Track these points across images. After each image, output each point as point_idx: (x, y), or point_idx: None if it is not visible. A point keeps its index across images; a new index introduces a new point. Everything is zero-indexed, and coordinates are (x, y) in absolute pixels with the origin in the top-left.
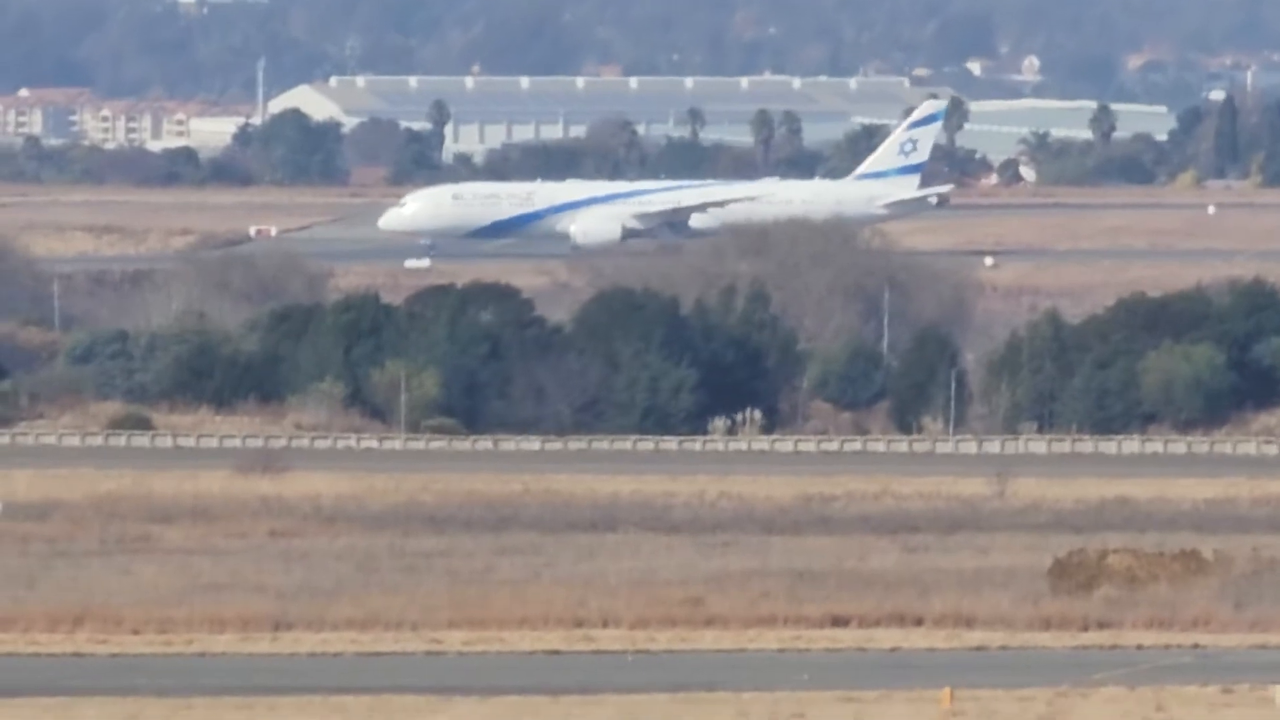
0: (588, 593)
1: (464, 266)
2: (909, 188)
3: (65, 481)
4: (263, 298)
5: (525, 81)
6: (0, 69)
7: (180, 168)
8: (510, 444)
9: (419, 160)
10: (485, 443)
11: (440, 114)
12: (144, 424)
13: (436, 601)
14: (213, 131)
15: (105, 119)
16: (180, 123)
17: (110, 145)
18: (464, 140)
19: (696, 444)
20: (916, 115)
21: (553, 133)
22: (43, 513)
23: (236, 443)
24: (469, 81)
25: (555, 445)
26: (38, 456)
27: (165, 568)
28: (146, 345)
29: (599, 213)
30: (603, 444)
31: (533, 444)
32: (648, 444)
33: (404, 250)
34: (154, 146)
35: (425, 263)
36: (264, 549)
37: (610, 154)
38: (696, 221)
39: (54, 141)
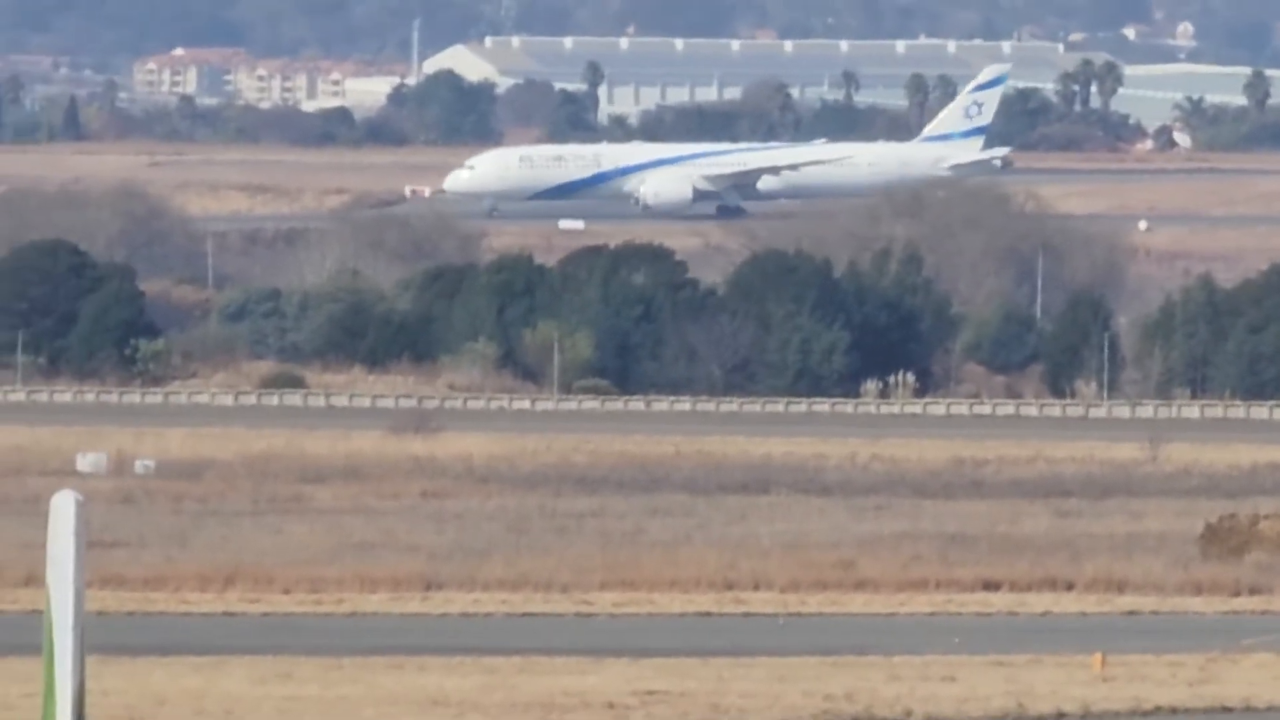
0: (739, 555)
1: (617, 228)
2: (973, 150)
3: (218, 441)
4: (416, 257)
5: (680, 43)
6: (155, 28)
7: (335, 128)
8: (662, 405)
9: (573, 121)
10: (637, 404)
11: (595, 75)
12: (297, 383)
13: (587, 563)
14: (367, 91)
15: (260, 78)
16: (335, 82)
17: (265, 105)
18: (618, 102)
19: (848, 406)
20: (982, 78)
21: (707, 95)
22: (195, 472)
23: (389, 403)
24: (624, 43)
25: (707, 406)
26: (191, 415)
27: (317, 527)
28: (299, 304)
29: (669, 174)
30: (754, 406)
31: (684, 405)
32: (800, 406)
33: (558, 211)
34: (309, 106)
35: (579, 224)
36: (416, 509)
37: (765, 117)
38: (763, 184)
39: (208, 101)
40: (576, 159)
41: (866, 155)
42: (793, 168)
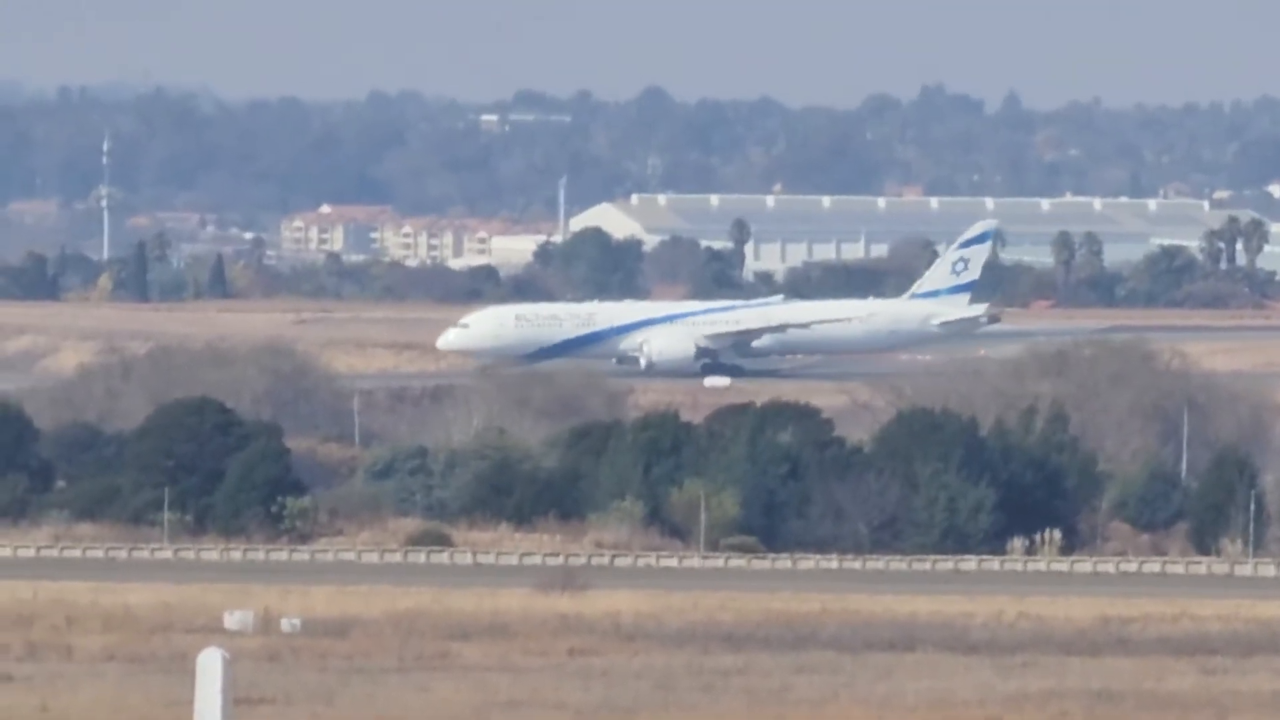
0: (886, 712)
1: (763, 385)
2: (961, 306)
3: (364, 598)
4: (563, 415)
5: (826, 201)
6: (302, 185)
7: (481, 285)
8: (808, 563)
9: (719, 279)
10: (784, 561)
11: (741, 232)
12: (443, 541)
13: None
14: (514, 249)
15: (406, 235)
16: (482, 240)
17: (411, 262)
18: (765, 258)
19: (995, 564)
20: (968, 234)
21: (854, 252)
22: (341, 629)
23: (536, 560)
24: (770, 200)
25: (853, 564)
26: (337, 573)
27: (463, 685)
28: (446, 461)
29: (671, 333)
30: (901, 563)
31: (831, 563)
32: (946, 564)
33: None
34: (455, 264)
35: (724, 381)
36: (563, 666)
37: (912, 274)
38: (757, 341)
39: (355, 258)
40: (571, 318)
41: (859, 312)
42: (803, 326)
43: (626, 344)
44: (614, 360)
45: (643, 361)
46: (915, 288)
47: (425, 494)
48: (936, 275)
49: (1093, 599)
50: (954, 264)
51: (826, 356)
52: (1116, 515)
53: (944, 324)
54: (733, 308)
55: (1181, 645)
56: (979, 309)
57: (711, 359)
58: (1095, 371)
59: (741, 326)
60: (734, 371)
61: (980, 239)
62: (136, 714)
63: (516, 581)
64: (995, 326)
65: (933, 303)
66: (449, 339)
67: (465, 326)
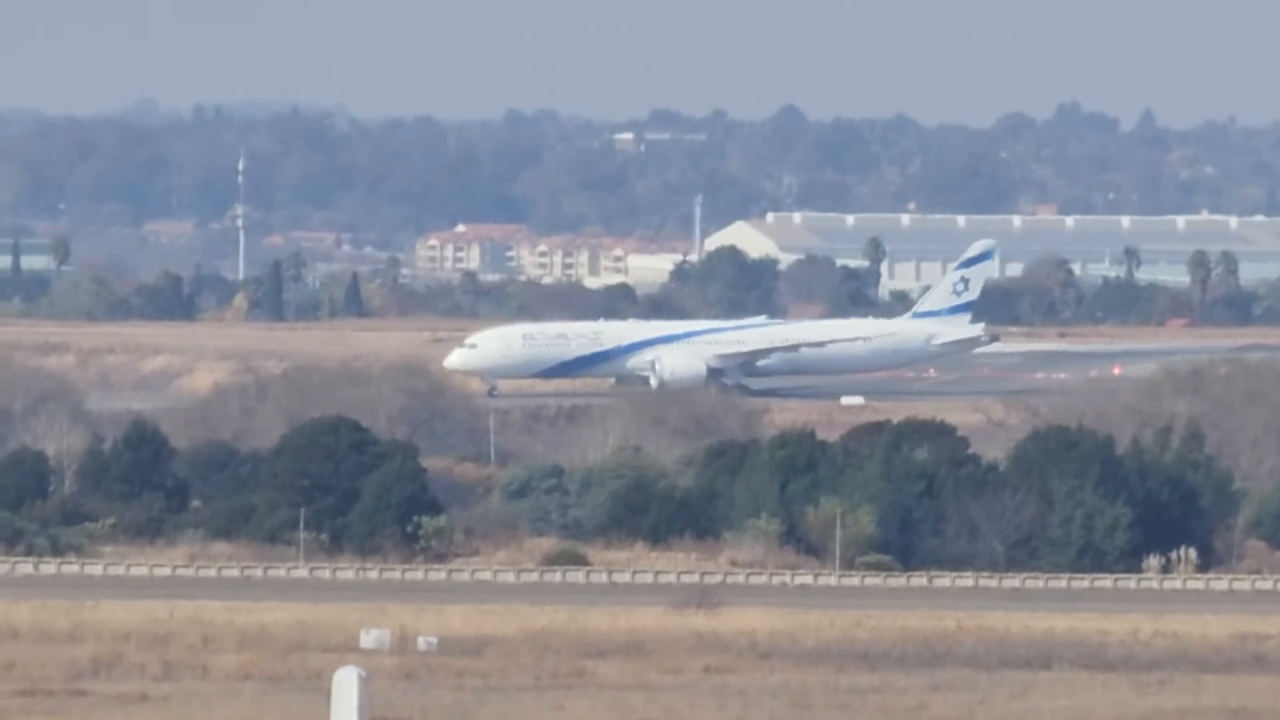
0: None
1: (898, 404)
2: (960, 326)
3: (499, 617)
4: (698, 434)
5: (961, 220)
6: (438, 205)
7: (617, 304)
8: (944, 581)
9: (854, 297)
10: (919, 579)
11: (876, 251)
12: (579, 560)
13: None
14: (649, 267)
15: (542, 254)
16: (617, 259)
17: (547, 281)
18: (900, 277)
19: (1131, 582)
20: (968, 254)
21: (988, 270)
22: (477, 648)
23: (671, 579)
24: (905, 219)
25: (989, 582)
26: (473, 592)
27: (599, 704)
28: (582, 481)
29: (683, 352)
30: (1037, 581)
31: (966, 581)
32: (1082, 582)
33: (838, 388)
34: (591, 283)
35: (859, 400)
36: (698, 685)
37: (1046, 293)
38: (761, 361)
39: (491, 277)
40: (578, 337)
41: (861, 332)
42: (818, 345)
43: (634, 363)
44: (613, 380)
45: (654, 381)
46: (916, 307)
47: (561, 513)
48: (937, 295)
49: (1229, 616)
50: (954, 284)
51: (820, 376)
52: (1252, 533)
53: (945, 344)
54: (739, 326)
55: None
56: (978, 328)
57: (719, 379)
58: (1231, 390)
59: (750, 346)
60: (741, 391)
61: (980, 258)
62: None
63: (652, 600)
64: (1130, 345)
65: (933, 322)
66: (456, 359)
67: (473, 346)
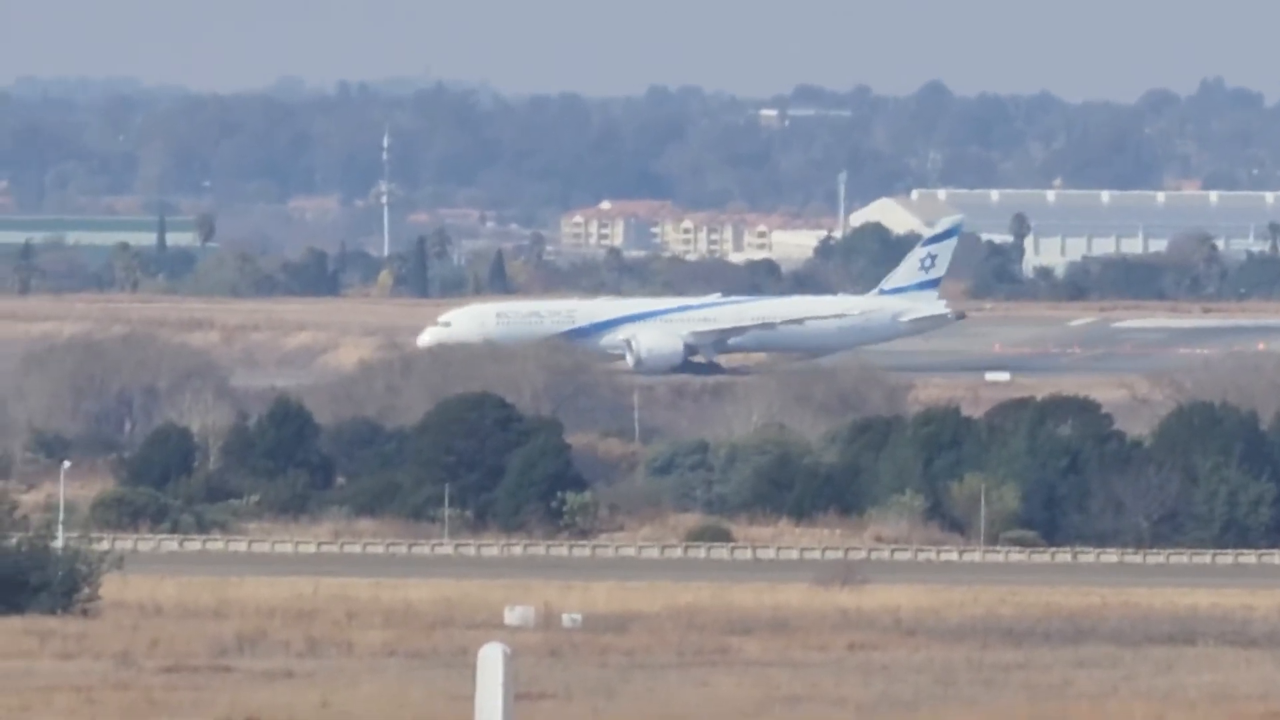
0: (1166, 707)
1: (1042, 380)
2: (929, 302)
3: (644, 593)
4: (842, 410)
5: (1106, 195)
6: (582, 181)
7: (762, 279)
8: (1089, 556)
9: (999, 273)
10: (1064, 555)
11: (1021, 227)
12: (723, 536)
13: (1014, 715)
14: (794, 244)
15: (686, 230)
16: (762, 235)
17: (691, 257)
18: (1044, 253)
19: (1275, 558)
20: (934, 230)
21: (1132, 246)
22: (621, 624)
23: (816, 555)
24: (1050, 195)
25: (1134, 558)
26: (617, 568)
27: (743, 680)
28: (726, 457)
29: (659, 330)
30: (1181, 557)
31: (1111, 556)
32: (1226, 557)
33: (984, 363)
34: (735, 258)
35: (1004, 376)
36: (843, 661)
37: (1190, 269)
38: (733, 338)
39: (635, 253)
40: (552, 315)
41: (831, 309)
42: (796, 322)
43: (607, 340)
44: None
45: (630, 359)
46: (883, 284)
47: (705, 489)
48: (904, 272)
49: None
50: (922, 260)
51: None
52: None
53: (913, 320)
54: (713, 304)
55: None
56: (944, 304)
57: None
58: None
59: (725, 324)
60: (711, 369)
61: (947, 234)
62: (417, 709)
63: (796, 576)
64: (1274, 320)
65: (901, 299)
66: (429, 336)
67: (447, 325)
